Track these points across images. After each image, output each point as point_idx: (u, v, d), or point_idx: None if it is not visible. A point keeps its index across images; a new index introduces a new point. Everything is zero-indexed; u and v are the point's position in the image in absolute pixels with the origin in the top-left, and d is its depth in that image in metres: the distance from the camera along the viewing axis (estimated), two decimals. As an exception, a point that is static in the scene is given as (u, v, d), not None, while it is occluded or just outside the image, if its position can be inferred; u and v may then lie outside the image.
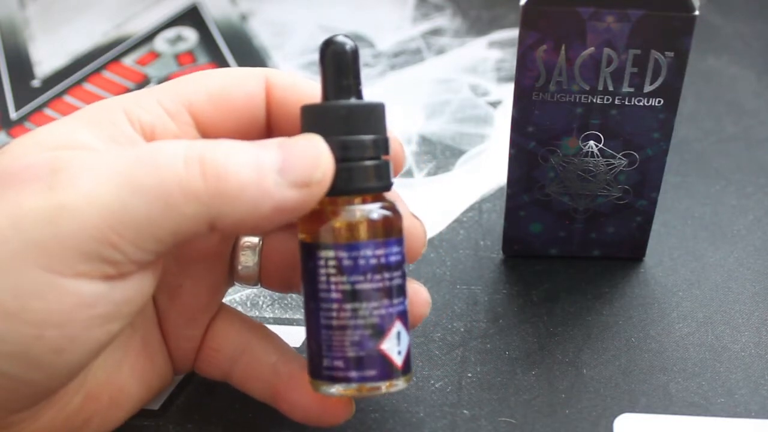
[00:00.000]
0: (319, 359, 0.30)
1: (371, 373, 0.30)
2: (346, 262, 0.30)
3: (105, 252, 0.26)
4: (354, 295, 0.30)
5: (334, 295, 0.30)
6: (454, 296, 0.40)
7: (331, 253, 0.30)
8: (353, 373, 0.30)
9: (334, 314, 0.30)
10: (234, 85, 0.31)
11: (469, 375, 0.37)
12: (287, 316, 0.40)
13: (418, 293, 0.33)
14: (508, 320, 0.39)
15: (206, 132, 0.31)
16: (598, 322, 0.39)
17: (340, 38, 0.30)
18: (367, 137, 0.30)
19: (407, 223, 0.32)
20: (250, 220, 0.28)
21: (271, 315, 0.40)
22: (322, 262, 0.30)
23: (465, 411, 0.36)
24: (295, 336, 0.39)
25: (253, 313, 0.40)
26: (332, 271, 0.30)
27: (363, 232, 0.30)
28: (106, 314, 0.27)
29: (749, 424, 0.35)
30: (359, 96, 0.30)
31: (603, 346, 0.38)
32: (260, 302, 0.41)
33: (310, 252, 0.30)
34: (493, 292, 0.41)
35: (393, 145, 0.32)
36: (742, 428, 0.35)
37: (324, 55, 0.30)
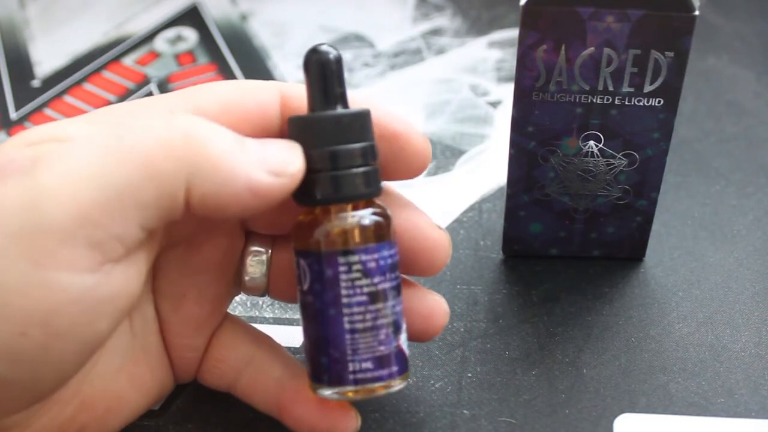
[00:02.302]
0: (344, 365, 0.30)
1: (395, 368, 0.31)
2: (371, 265, 0.30)
3: (89, 233, 0.26)
4: (377, 296, 0.30)
5: (361, 299, 0.30)
6: (454, 296, 0.40)
7: (355, 258, 0.30)
8: (381, 372, 0.31)
9: (361, 317, 0.30)
10: (246, 96, 0.31)
11: (469, 375, 0.37)
12: (287, 316, 0.40)
13: (439, 304, 0.33)
14: (508, 320, 0.39)
15: None
16: (598, 322, 0.39)
17: (324, 47, 0.30)
18: (359, 145, 0.30)
19: (434, 234, 0.32)
20: (223, 194, 0.28)
21: (271, 315, 0.40)
22: (344, 268, 0.30)
23: (465, 411, 0.36)
24: (295, 336, 0.39)
25: (253, 313, 0.40)
26: (357, 275, 0.30)
27: (382, 233, 0.31)
28: (91, 310, 0.27)
29: (749, 424, 0.35)
30: (345, 104, 0.30)
31: (603, 346, 0.38)
32: (260, 302, 0.41)
33: (328, 260, 0.30)
34: (493, 292, 0.41)
35: (419, 140, 0.32)
36: (742, 428, 0.35)
37: (308, 65, 0.30)
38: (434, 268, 0.33)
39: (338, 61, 0.30)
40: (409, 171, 0.32)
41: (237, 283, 0.34)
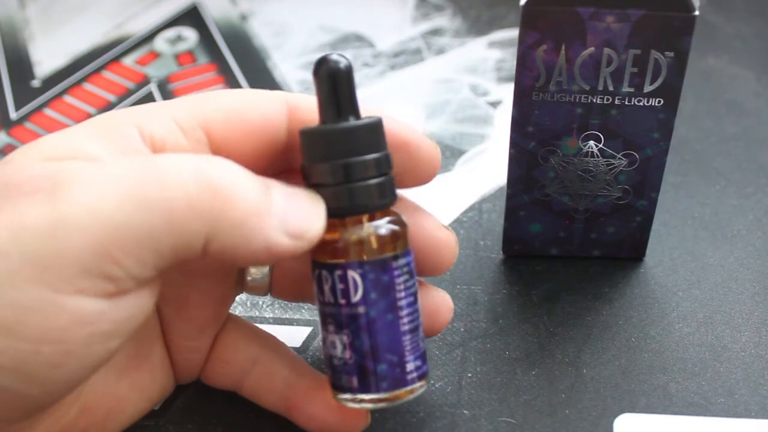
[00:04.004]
0: (403, 368, 0.31)
1: (426, 363, 0.32)
2: (413, 265, 0.31)
3: (105, 267, 0.26)
4: (417, 295, 0.31)
5: (410, 299, 0.31)
6: (454, 296, 0.40)
7: (404, 260, 0.31)
8: (425, 366, 0.32)
9: (410, 317, 0.31)
10: (252, 107, 0.31)
11: (469, 375, 0.37)
12: (287, 316, 0.40)
13: (444, 300, 0.34)
14: (508, 320, 0.39)
15: (220, 151, 0.30)
16: (598, 322, 0.39)
17: (334, 57, 0.29)
18: (380, 154, 0.30)
19: (442, 235, 0.33)
20: (240, 251, 0.28)
21: (271, 315, 0.40)
22: (398, 272, 0.30)
23: (465, 411, 0.36)
24: (295, 336, 0.39)
25: (253, 313, 0.40)
26: (407, 276, 0.31)
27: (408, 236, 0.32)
28: (105, 331, 0.27)
29: (749, 424, 0.35)
30: (357, 114, 0.30)
31: (603, 346, 0.38)
32: (260, 302, 0.41)
33: (384, 266, 0.30)
34: (493, 292, 0.41)
35: (429, 148, 0.32)
36: (742, 428, 0.35)
37: (318, 75, 0.29)
38: (441, 268, 0.33)
39: (348, 70, 0.29)
40: (419, 178, 0.32)
41: (239, 284, 0.34)
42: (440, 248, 0.33)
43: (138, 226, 0.26)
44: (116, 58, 0.56)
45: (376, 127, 0.30)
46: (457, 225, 0.44)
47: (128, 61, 0.56)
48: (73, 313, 0.26)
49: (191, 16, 0.59)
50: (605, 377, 0.37)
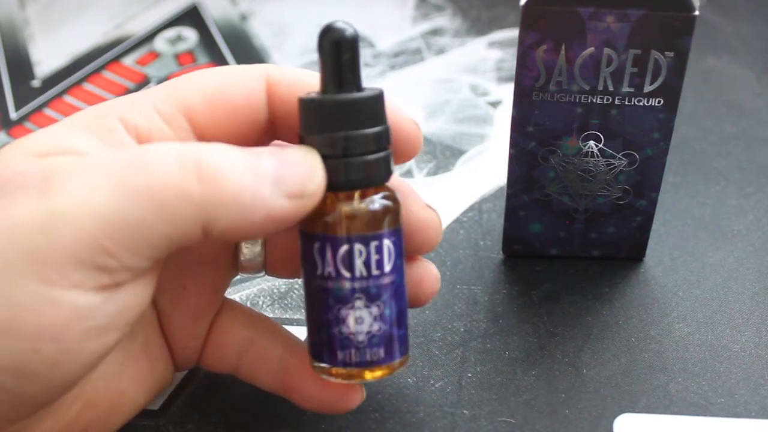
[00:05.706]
0: (407, 329, 0.31)
1: None
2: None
3: (99, 259, 0.26)
4: None
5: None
6: (454, 296, 0.40)
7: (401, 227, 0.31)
8: None
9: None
10: (231, 86, 0.30)
11: (469, 375, 0.37)
12: (287, 316, 0.40)
13: (428, 270, 0.33)
14: (508, 320, 0.39)
15: (204, 136, 0.30)
16: (598, 322, 0.39)
17: (340, 24, 0.28)
18: (379, 128, 0.29)
19: (424, 214, 0.32)
20: (242, 227, 0.27)
21: (271, 315, 0.40)
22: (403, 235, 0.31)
23: (465, 411, 0.36)
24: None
25: (253, 313, 0.40)
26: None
27: None
28: (101, 326, 0.27)
29: (749, 424, 0.35)
30: (359, 86, 0.29)
31: (603, 346, 0.38)
32: (260, 302, 0.41)
33: (398, 233, 0.30)
34: (493, 292, 0.41)
35: (409, 126, 0.31)
36: (742, 428, 0.35)
37: (322, 44, 0.28)
38: (426, 247, 0.33)
39: (354, 39, 0.28)
40: (400, 156, 0.32)
41: (234, 266, 0.34)
42: (423, 228, 0.32)
43: (128, 215, 0.26)
44: (116, 58, 0.56)
45: (378, 100, 0.29)
46: (457, 225, 0.44)
47: (128, 61, 0.56)
48: (69, 308, 0.26)
49: (191, 16, 0.59)
50: (605, 377, 0.37)
